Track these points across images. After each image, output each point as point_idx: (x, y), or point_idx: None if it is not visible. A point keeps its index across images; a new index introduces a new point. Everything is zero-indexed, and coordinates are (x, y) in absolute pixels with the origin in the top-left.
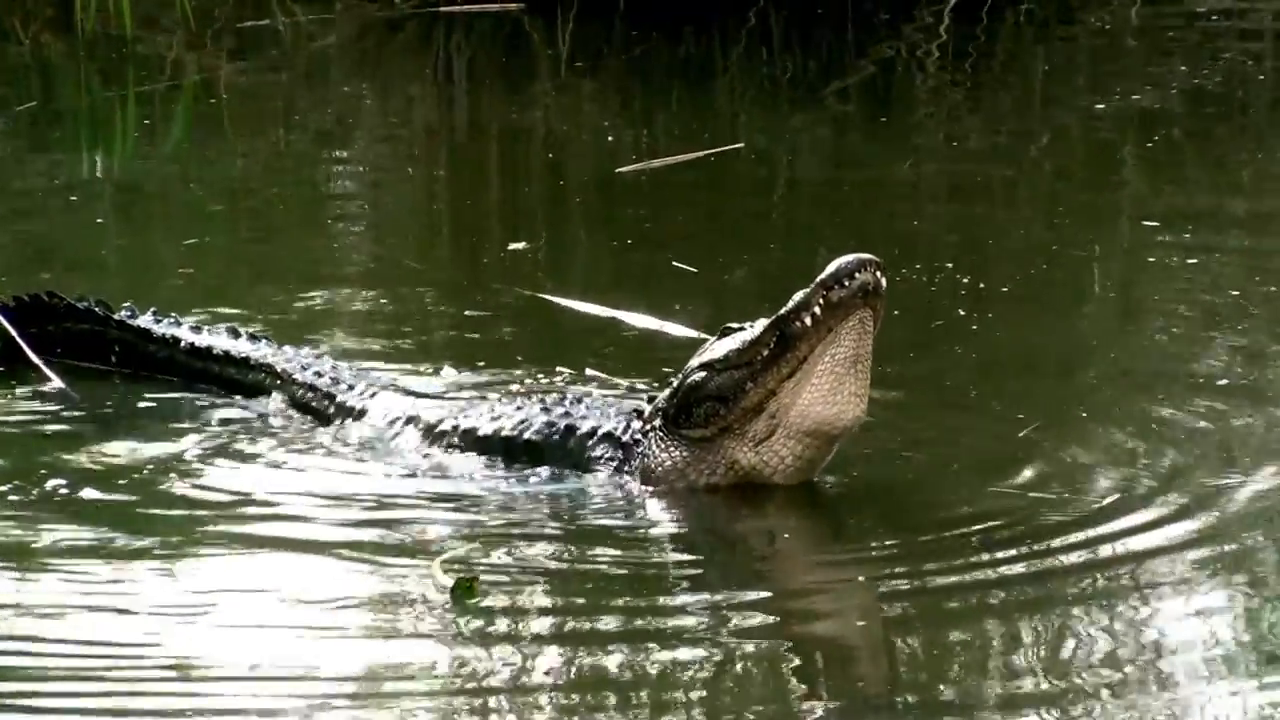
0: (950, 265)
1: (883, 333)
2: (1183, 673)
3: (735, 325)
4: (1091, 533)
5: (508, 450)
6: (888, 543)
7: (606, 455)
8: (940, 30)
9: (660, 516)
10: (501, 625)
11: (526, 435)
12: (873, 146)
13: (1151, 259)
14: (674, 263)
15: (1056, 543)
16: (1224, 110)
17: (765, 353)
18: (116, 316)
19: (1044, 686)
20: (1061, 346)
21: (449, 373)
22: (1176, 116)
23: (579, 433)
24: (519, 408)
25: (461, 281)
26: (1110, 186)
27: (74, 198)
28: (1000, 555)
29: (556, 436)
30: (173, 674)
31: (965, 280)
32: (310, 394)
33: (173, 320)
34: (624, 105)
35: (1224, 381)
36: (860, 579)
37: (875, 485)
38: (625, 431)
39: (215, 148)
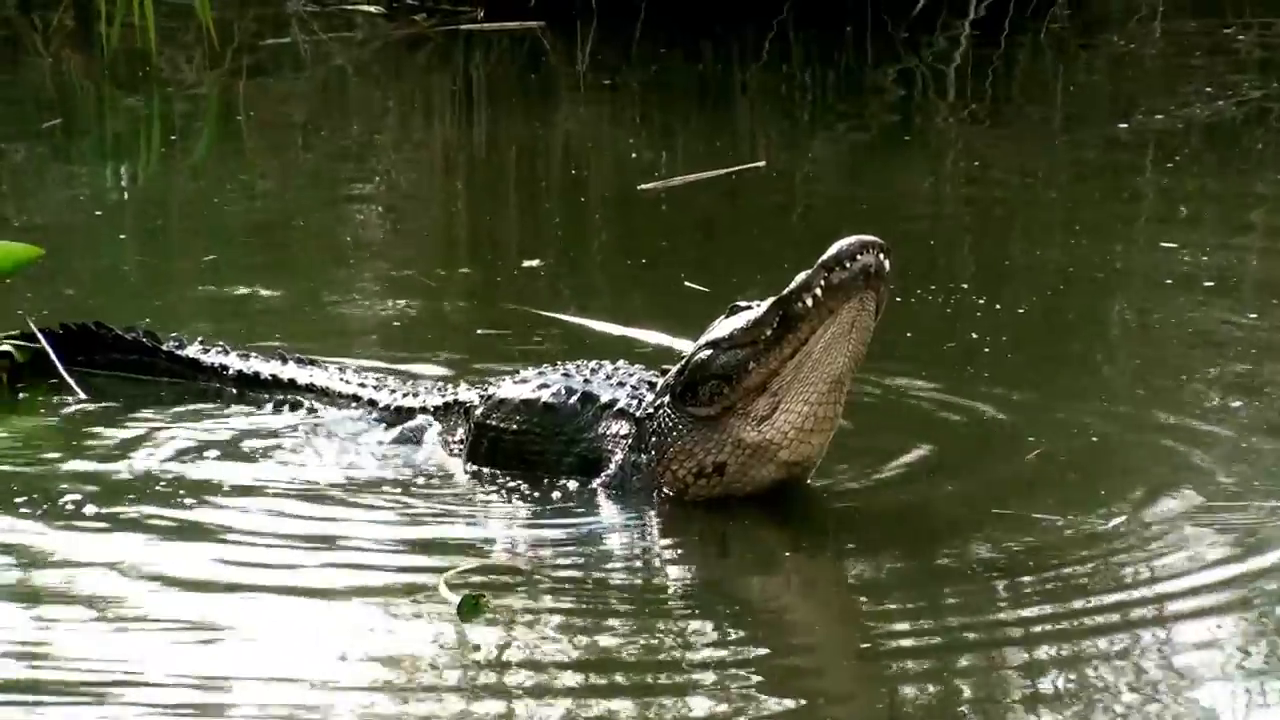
0: (965, 286)
1: (897, 353)
2: (1204, 708)
3: (743, 304)
4: (1095, 556)
5: (528, 413)
6: (894, 572)
7: (621, 433)
8: (960, 50)
9: (671, 546)
10: (508, 644)
11: (544, 398)
12: (892, 165)
13: (1169, 281)
14: (686, 282)
15: (1060, 567)
16: (1245, 131)
17: (768, 333)
18: (165, 347)
19: None
20: (1076, 368)
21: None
22: (1197, 137)
23: (596, 404)
24: (541, 373)
25: (474, 300)
26: (1129, 208)
27: (98, 212)
28: (1001, 578)
29: (574, 401)
30: (183, 684)
31: (980, 301)
32: (354, 404)
33: (220, 349)
34: (644, 122)
35: (1238, 404)
36: (866, 606)
37: (884, 506)
38: (639, 407)
39: (235, 164)
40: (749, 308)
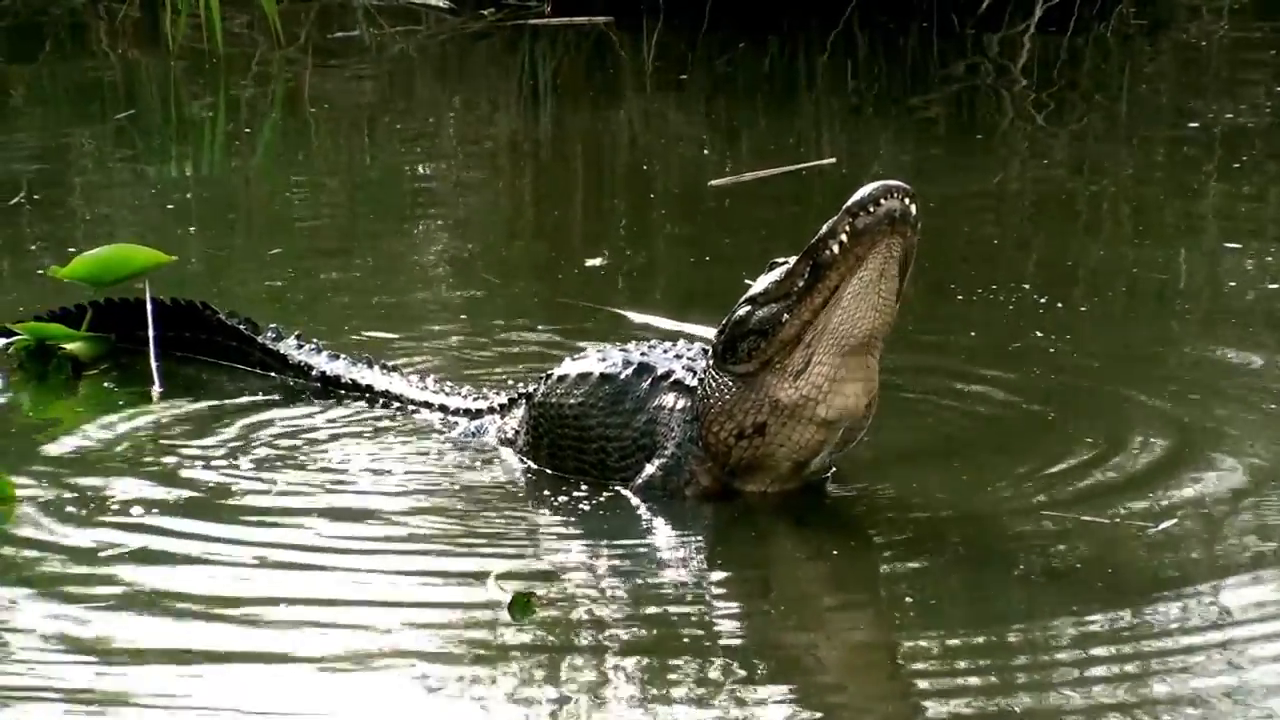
0: (1028, 285)
1: (959, 351)
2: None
3: (780, 260)
4: (1147, 560)
5: (584, 385)
6: (945, 575)
7: (677, 407)
8: (1026, 47)
9: (725, 545)
10: (557, 644)
11: (602, 369)
12: (958, 162)
13: (1233, 282)
14: (746, 280)
15: (1111, 573)
16: None
17: (801, 283)
18: (260, 339)
19: None
20: (1139, 369)
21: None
22: (1263, 137)
23: (653, 374)
24: (600, 349)
25: (533, 298)
26: (1194, 207)
27: (169, 206)
28: (1052, 584)
29: (630, 373)
30: (229, 676)
31: (1043, 300)
32: (425, 409)
33: (313, 347)
34: (709, 118)
35: None
36: (916, 613)
37: (933, 505)
38: (693, 376)
39: (301, 158)
40: (786, 263)
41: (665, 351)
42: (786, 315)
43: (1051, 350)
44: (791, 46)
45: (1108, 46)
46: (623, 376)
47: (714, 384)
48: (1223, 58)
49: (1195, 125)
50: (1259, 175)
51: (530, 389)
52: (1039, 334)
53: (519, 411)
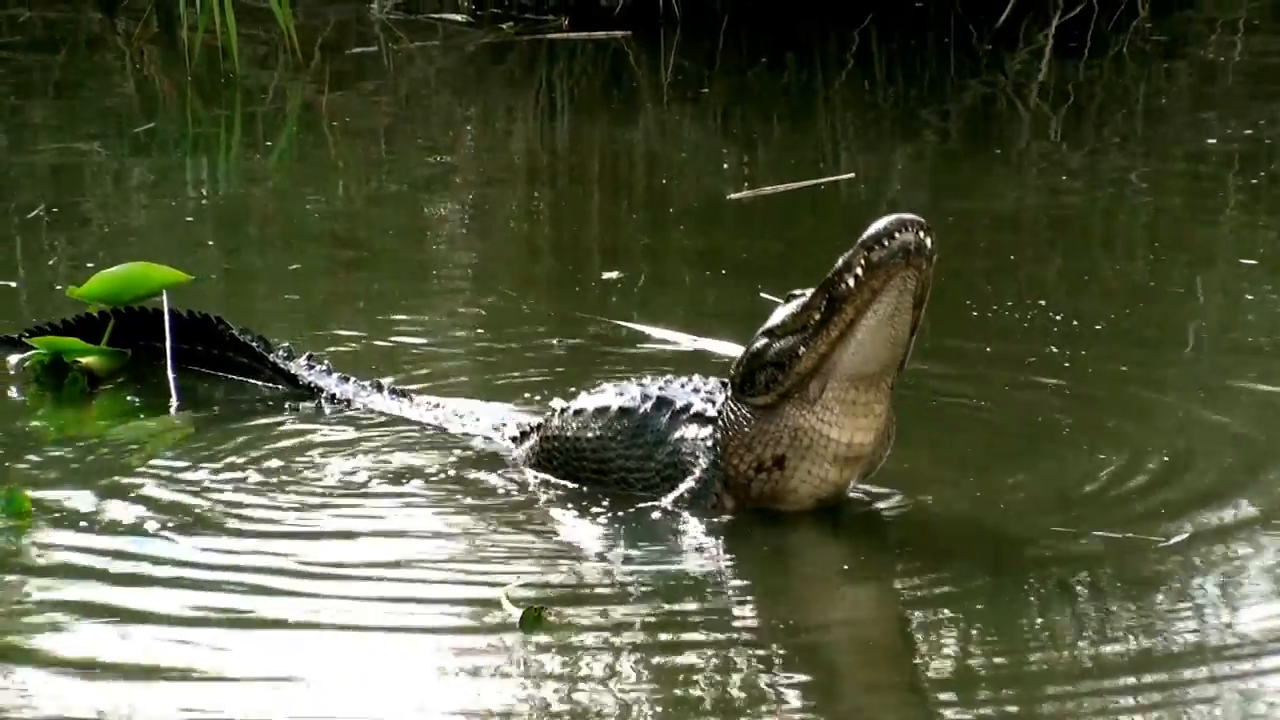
0: (1044, 301)
1: (975, 365)
2: None
3: (799, 291)
4: (1161, 575)
5: (603, 419)
6: (963, 596)
7: (700, 436)
8: (1043, 61)
9: (737, 562)
10: (568, 659)
11: (620, 403)
12: (974, 178)
13: (1250, 297)
14: (762, 293)
15: (1125, 589)
16: None
17: (817, 317)
18: (271, 357)
19: None
20: (1155, 386)
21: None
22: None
23: (672, 408)
24: (617, 384)
25: (549, 312)
26: (1210, 224)
27: (189, 219)
28: (1065, 599)
29: (649, 407)
30: (239, 688)
31: (1059, 316)
32: (439, 435)
33: (324, 369)
34: (727, 132)
35: None
36: (930, 632)
37: (948, 522)
38: (713, 407)
39: (320, 172)
40: (803, 295)
41: (683, 385)
42: (803, 348)
43: (1068, 365)
44: (808, 60)
45: (1125, 62)
46: (642, 410)
47: (733, 416)
48: (1240, 73)
49: (1213, 140)
50: (1274, 192)
51: (539, 422)
52: (1055, 349)
53: (529, 443)
